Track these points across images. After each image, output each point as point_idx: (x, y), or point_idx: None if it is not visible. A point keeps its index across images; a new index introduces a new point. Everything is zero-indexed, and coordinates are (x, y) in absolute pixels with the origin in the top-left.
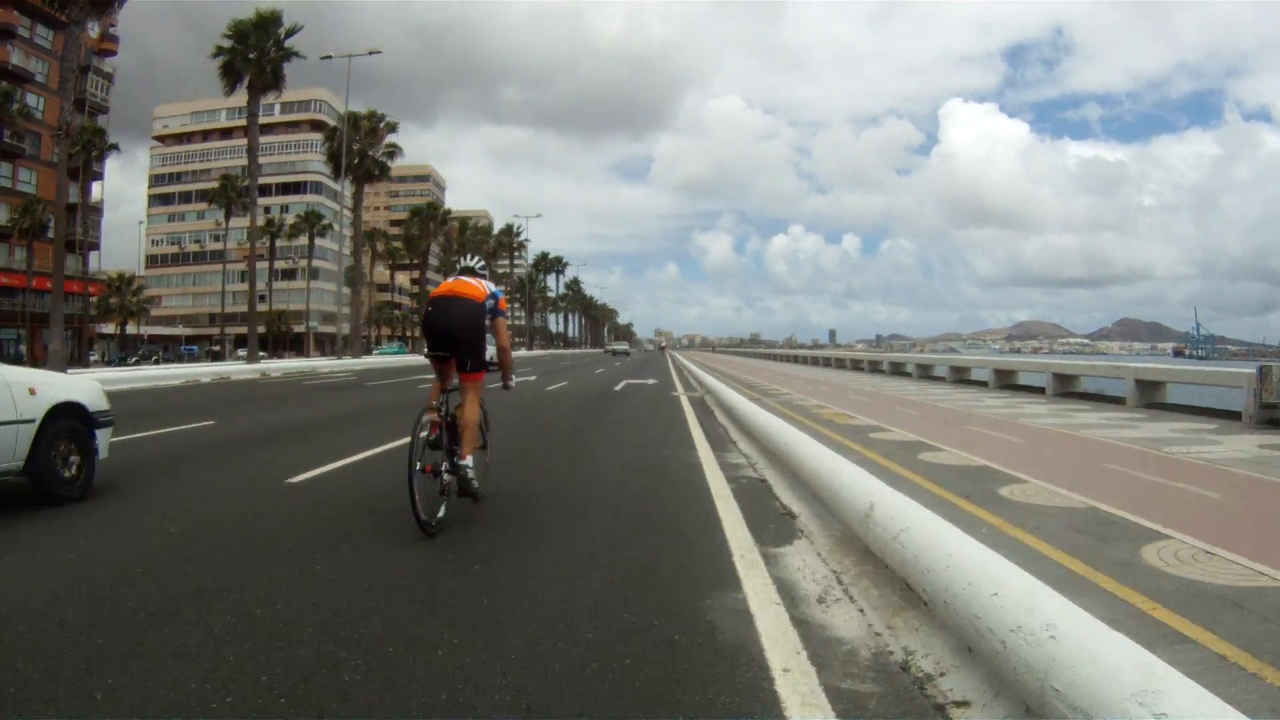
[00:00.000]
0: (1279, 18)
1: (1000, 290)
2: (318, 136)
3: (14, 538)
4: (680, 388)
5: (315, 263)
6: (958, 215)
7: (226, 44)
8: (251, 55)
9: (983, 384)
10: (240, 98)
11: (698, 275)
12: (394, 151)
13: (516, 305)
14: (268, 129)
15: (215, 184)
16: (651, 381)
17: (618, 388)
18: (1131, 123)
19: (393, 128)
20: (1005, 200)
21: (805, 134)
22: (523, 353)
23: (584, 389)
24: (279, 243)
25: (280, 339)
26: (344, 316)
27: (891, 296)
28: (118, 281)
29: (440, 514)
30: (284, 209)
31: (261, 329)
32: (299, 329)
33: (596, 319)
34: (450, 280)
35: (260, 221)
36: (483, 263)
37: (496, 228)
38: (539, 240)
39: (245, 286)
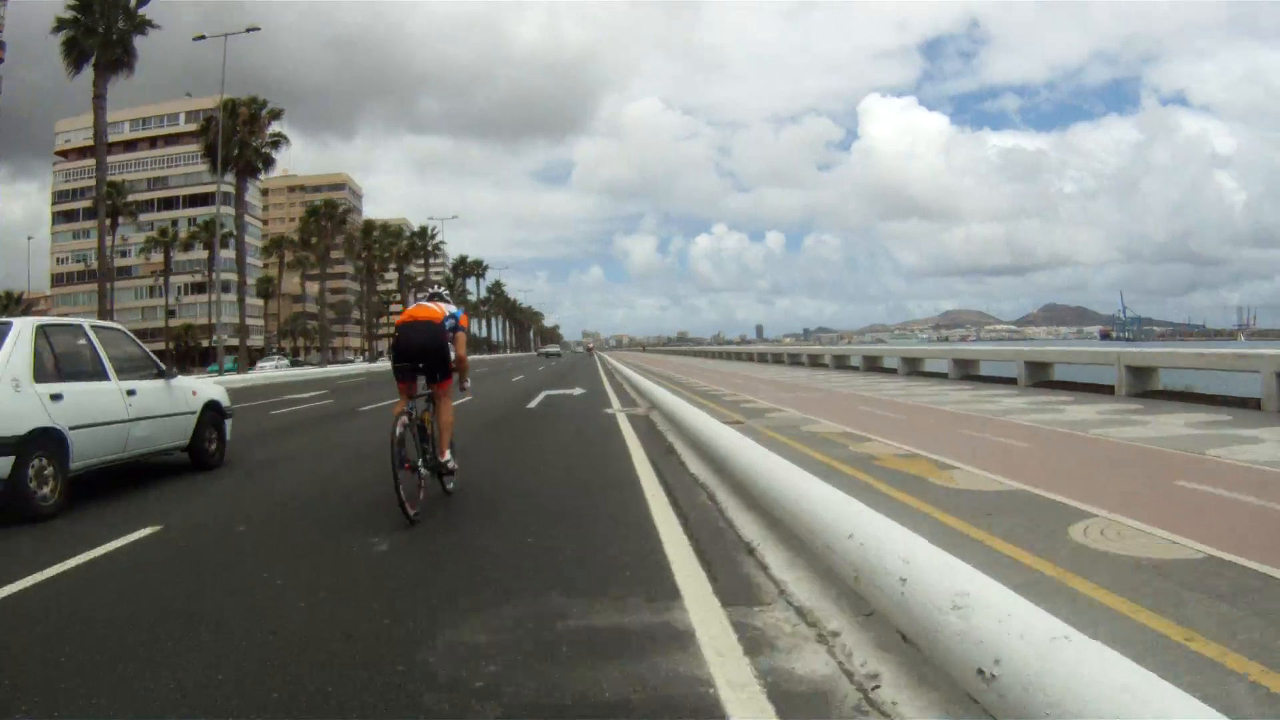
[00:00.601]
0: (1194, 2)
1: (926, 281)
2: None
3: (197, 487)
4: (615, 400)
5: (228, 276)
6: (881, 209)
7: (69, 15)
8: (99, 30)
9: (942, 375)
10: (149, 107)
11: (623, 277)
12: (279, 141)
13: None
14: (171, 139)
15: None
16: (578, 391)
17: (533, 404)
18: (1050, 111)
19: (276, 115)
20: (928, 192)
21: (725, 134)
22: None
23: (489, 407)
24: (186, 255)
25: (187, 354)
26: (225, 327)
27: (817, 291)
28: (3, 300)
29: (412, 516)
30: (191, 221)
31: (167, 345)
32: (206, 343)
33: (521, 323)
34: (413, 306)
35: (153, 233)
36: (444, 289)
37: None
38: (463, 247)
39: (158, 302)
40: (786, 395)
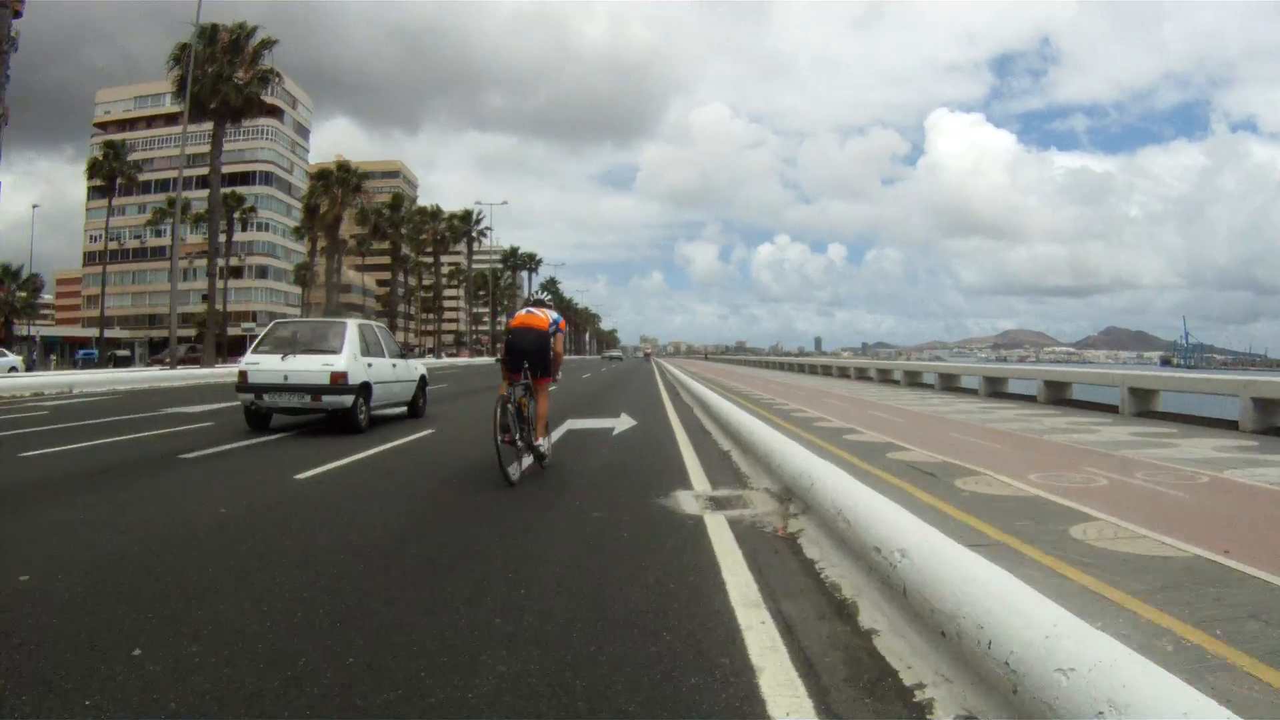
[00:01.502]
0: (1264, 26)
1: (984, 299)
2: (272, 123)
3: (414, 425)
4: (691, 458)
5: (264, 260)
6: (944, 225)
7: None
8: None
9: (1021, 396)
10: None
11: (683, 283)
12: (269, 77)
13: (480, 303)
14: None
15: (167, 175)
16: (623, 426)
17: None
18: (1118, 133)
19: (267, 45)
20: (991, 210)
21: (791, 143)
22: (482, 360)
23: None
24: (221, 236)
25: (221, 342)
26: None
27: (876, 305)
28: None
29: (518, 472)
30: (229, 199)
31: (193, 331)
32: (235, 332)
33: (578, 324)
34: (522, 312)
35: (164, 209)
36: (549, 295)
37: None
38: (523, 247)
39: (189, 286)
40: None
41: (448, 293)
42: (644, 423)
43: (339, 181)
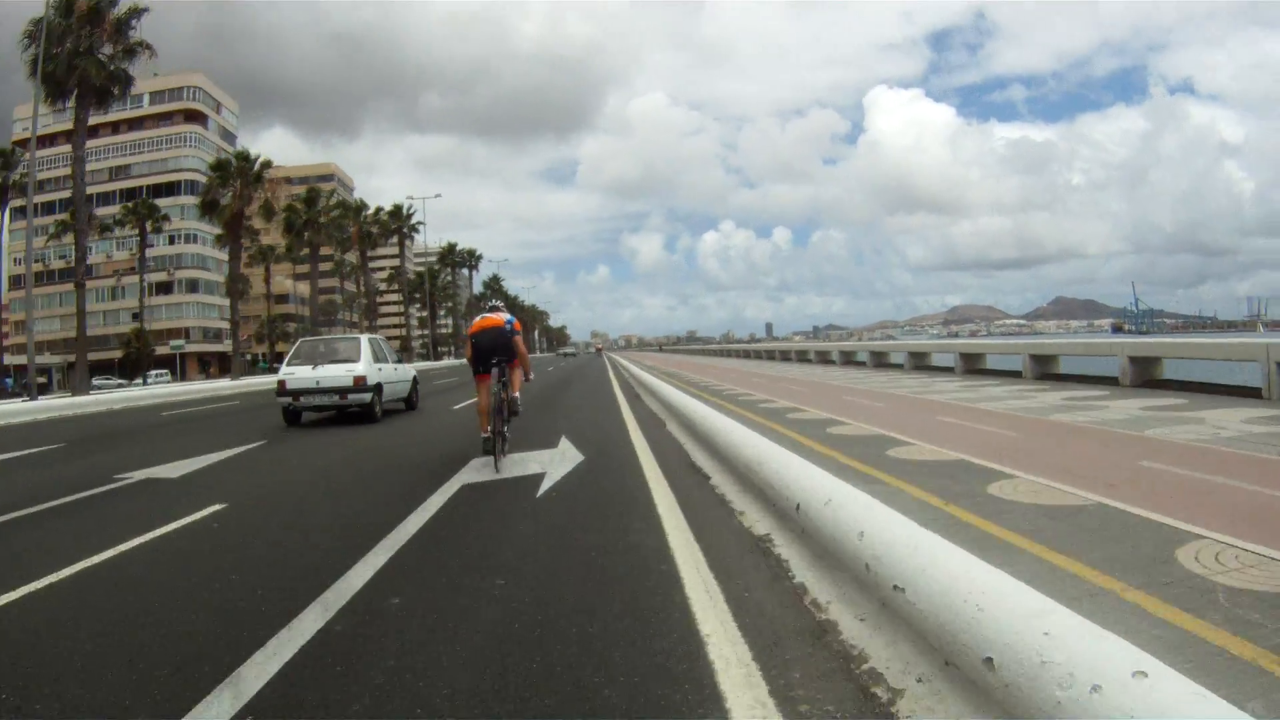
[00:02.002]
0: None
1: (932, 275)
2: (194, 129)
3: (412, 416)
4: (638, 432)
5: (194, 273)
6: (887, 202)
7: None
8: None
9: (1002, 372)
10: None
11: (630, 276)
12: (136, 50)
13: (418, 305)
14: (135, 123)
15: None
16: (560, 469)
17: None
18: (1057, 102)
19: (136, 13)
20: (934, 185)
21: (731, 128)
22: (416, 365)
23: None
24: (153, 250)
25: (144, 360)
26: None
27: (825, 287)
28: None
29: (498, 456)
30: (154, 212)
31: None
32: (164, 350)
33: (525, 323)
34: (478, 319)
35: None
36: (502, 302)
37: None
38: (469, 247)
39: (119, 305)
40: (884, 408)
41: (392, 297)
42: (594, 455)
43: (238, 173)
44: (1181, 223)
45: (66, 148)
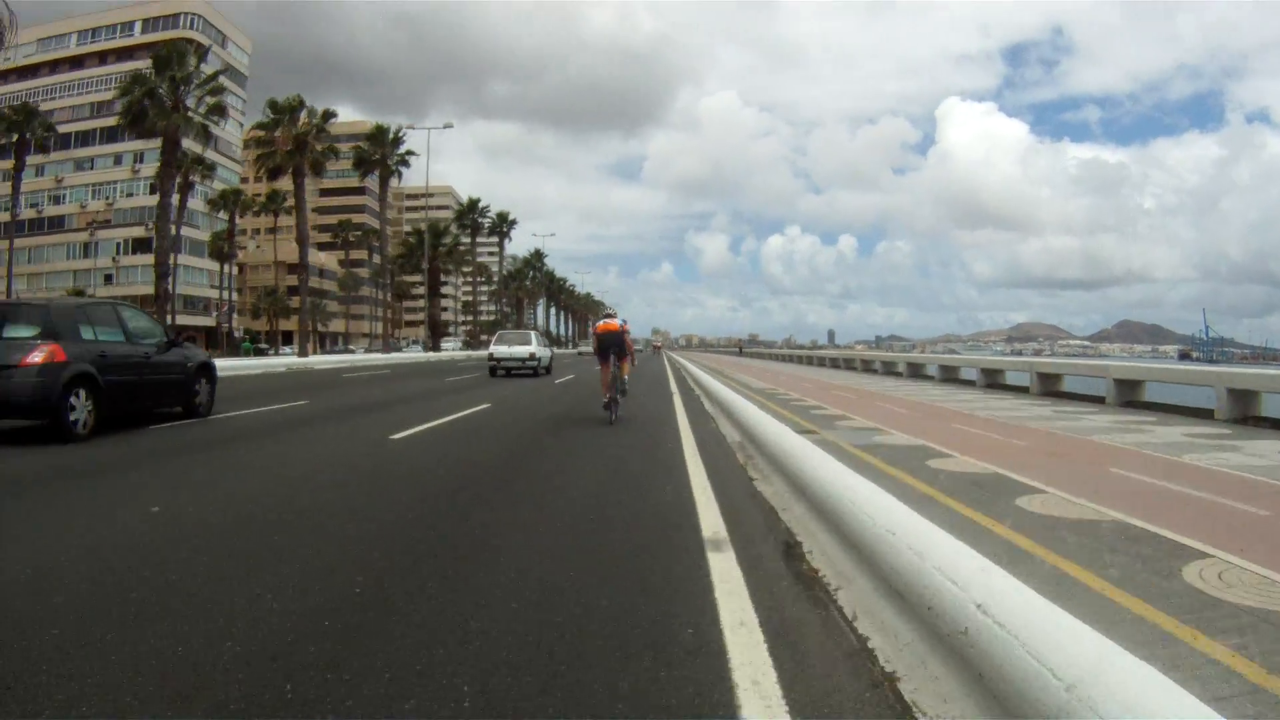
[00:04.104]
0: (1277, 18)
1: (996, 292)
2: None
3: (548, 377)
4: None
5: (181, 230)
6: (955, 216)
7: None
8: None
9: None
10: (99, 15)
11: (693, 276)
12: None
13: (411, 273)
14: (124, 53)
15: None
16: None
17: None
18: (1131, 125)
19: None
20: (1003, 201)
21: (801, 132)
22: (406, 357)
23: None
24: (130, 201)
25: None
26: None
27: (888, 298)
28: None
29: (613, 416)
30: (138, 157)
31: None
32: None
33: (574, 311)
34: (601, 322)
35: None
36: (614, 311)
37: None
38: (534, 241)
39: (91, 264)
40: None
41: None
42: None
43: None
44: (1251, 252)
45: (50, 79)
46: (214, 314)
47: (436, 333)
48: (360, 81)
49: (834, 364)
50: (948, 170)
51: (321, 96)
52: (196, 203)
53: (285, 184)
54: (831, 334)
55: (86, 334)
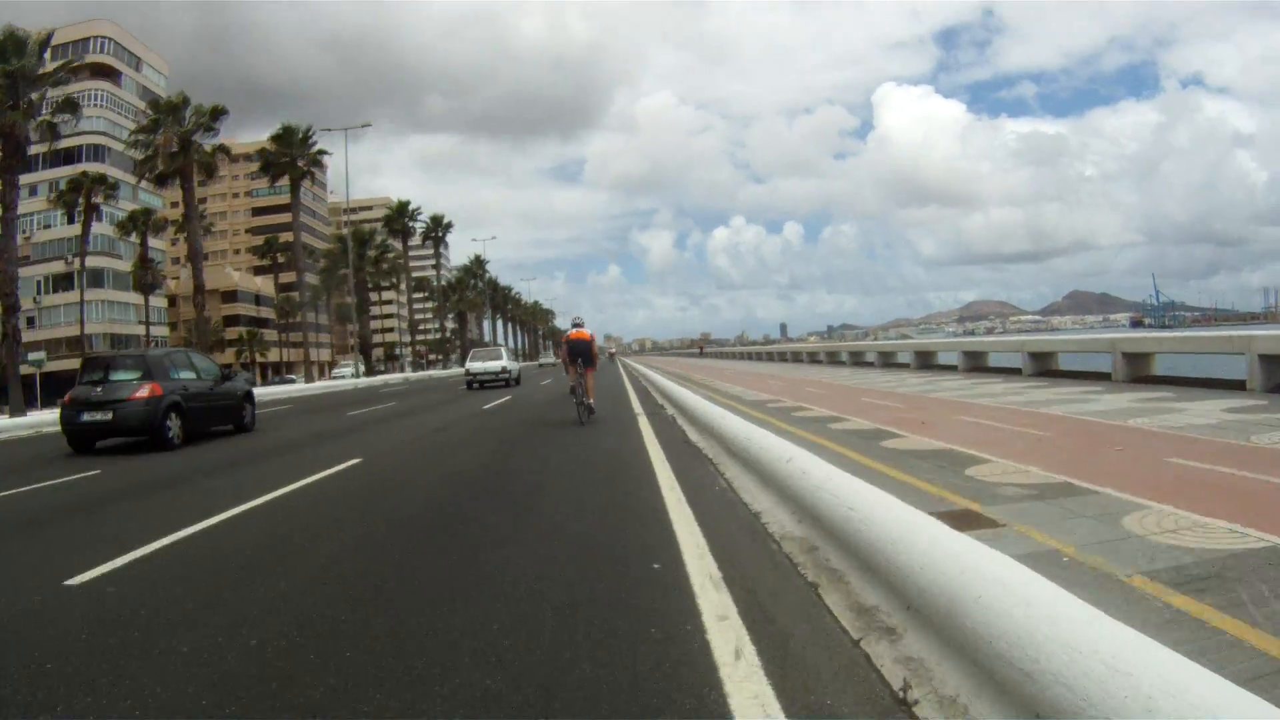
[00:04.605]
0: None
1: (945, 270)
2: (104, 85)
3: (519, 387)
4: None
5: (100, 261)
6: (898, 196)
7: None
8: None
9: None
10: None
11: (641, 276)
12: None
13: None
14: (34, 80)
15: None
16: None
17: None
18: (1068, 98)
19: None
20: (945, 179)
21: (739, 126)
22: (342, 385)
23: None
24: (48, 234)
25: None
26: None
27: (836, 284)
28: None
29: (583, 418)
30: (52, 185)
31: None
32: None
33: (520, 320)
34: (573, 331)
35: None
36: (582, 321)
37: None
38: (477, 248)
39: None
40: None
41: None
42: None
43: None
44: (1194, 213)
45: None
46: (143, 348)
47: (368, 354)
48: (291, 105)
49: (795, 358)
50: (888, 153)
51: (251, 121)
52: (102, 227)
53: (216, 205)
54: (784, 327)
55: (174, 374)
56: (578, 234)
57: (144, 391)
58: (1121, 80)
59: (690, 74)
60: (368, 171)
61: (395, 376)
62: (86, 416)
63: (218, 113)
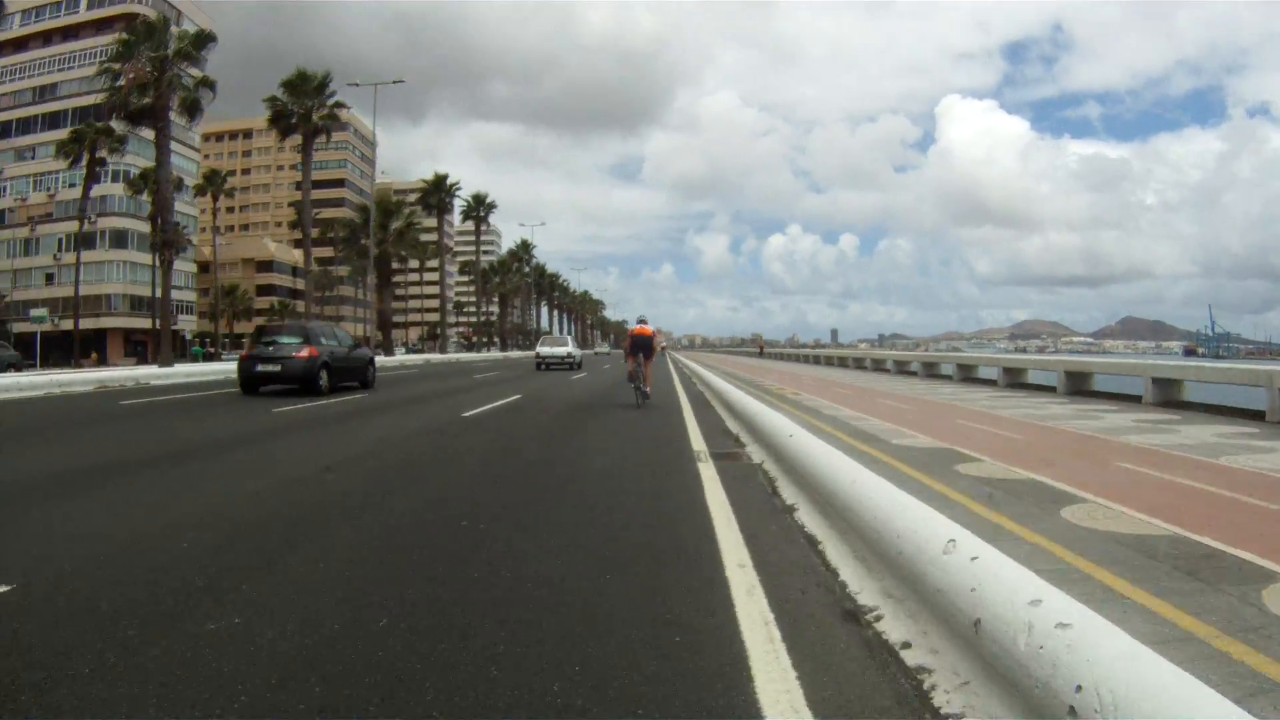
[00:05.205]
0: (1277, 12)
1: (998, 289)
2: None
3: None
4: None
5: (122, 222)
6: (956, 213)
7: None
8: None
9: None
10: None
11: (694, 276)
12: None
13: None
14: (69, 32)
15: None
16: None
17: None
18: (1132, 120)
19: None
20: (1004, 198)
21: (801, 131)
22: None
23: None
24: (71, 193)
25: (67, 340)
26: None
27: (889, 296)
28: None
29: (640, 402)
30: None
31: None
32: (96, 324)
33: (569, 309)
34: (636, 326)
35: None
36: (646, 318)
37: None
38: (535, 242)
39: (31, 262)
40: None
41: (432, 275)
42: None
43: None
44: (1252, 247)
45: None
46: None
47: (387, 331)
48: (357, 87)
49: (841, 363)
50: (948, 168)
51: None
52: (107, 186)
53: (261, 176)
54: (834, 333)
55: (324, 341)
56: (634, 232)
57: (304, 352)
58: (1187, 106)
59: (755, 74)
60: (427, 157)
61: (416, 358)
62: (260, 368)
63: (204, 39)
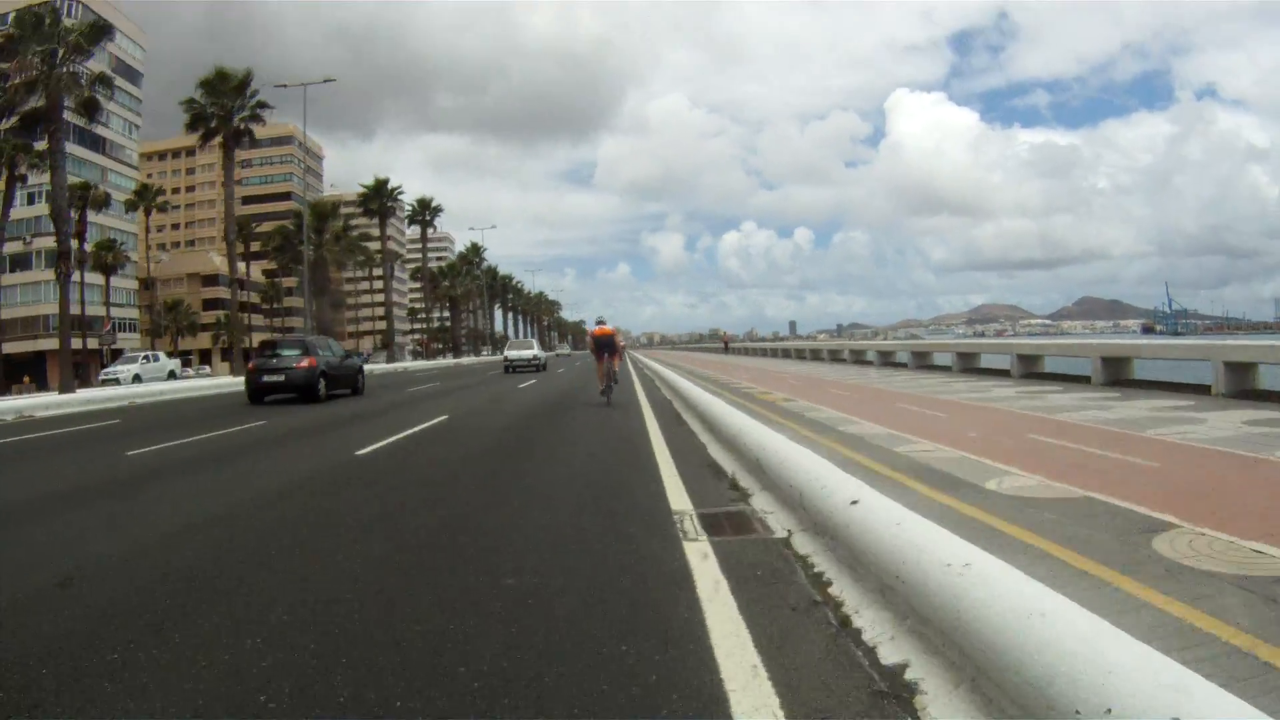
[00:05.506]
0: None
1: (954, 276)
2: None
3: (547, 373)
4: None
5: (39, 241)
6: (909, 204)
7: None
8: None
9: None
10: None
11: (650, 275)
12: None
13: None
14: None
15: None
16: None
17: None
18: (1080, 107)
19: None
20: (957, 188)
21: (750, 130)
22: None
23: None
24: None
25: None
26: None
27: (847, 287)
28: None
29: (608, 399)
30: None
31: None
32: (34, 346)
33: (521, 310)
34: (596, 328)
35: None
36: (605, 318)
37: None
38: (489, 248)
39: None
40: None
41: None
42: None
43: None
44: (1206, 226)
45: None
46: (104, 332)
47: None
48: (298, 99)
49: (799, 355)
50: (900, 161)
51: (269, 114)
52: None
53: (206, 192)
54: (793, 325)
55: (321, 352)
56: (589, 235)
57: (305, 363)
58: (1135, 91)
59: (703, 74)
60: (378, 171)
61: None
62: (266, 378)
63: (100, 31)
